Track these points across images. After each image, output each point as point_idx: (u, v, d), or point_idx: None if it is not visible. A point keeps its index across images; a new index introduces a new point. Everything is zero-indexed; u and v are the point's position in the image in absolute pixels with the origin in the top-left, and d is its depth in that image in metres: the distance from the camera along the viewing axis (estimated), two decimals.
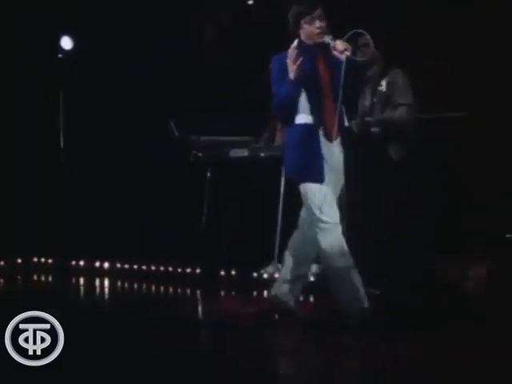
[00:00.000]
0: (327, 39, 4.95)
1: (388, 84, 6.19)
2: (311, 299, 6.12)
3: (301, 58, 4.91)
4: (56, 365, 4.00)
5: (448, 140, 6.46)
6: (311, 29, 5.00)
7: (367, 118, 6.29)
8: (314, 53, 5.04)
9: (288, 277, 5.38)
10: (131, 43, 7.87)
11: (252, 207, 7.12)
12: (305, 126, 5.07)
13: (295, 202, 6.56)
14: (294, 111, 5.06)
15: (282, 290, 5.39)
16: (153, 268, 7.48)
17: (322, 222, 5.05)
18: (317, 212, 5.06)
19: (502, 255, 6.08)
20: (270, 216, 6.74)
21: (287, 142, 5.21)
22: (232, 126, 7.14)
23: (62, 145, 8.11)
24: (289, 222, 6.62)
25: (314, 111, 5.03)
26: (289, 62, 4.94)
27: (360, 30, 4.88)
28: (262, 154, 6.80)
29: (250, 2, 7.96)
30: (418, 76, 6.59)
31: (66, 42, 7.95)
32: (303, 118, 5.07)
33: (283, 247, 6.59)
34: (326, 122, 5.05)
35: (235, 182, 7.08)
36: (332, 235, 5.04)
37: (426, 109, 6.46)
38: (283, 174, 6.70)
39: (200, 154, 7.03)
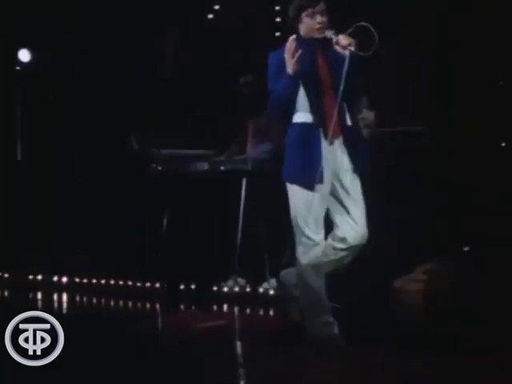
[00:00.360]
0: (329, 34, 4.74)
1: None
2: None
3: (300, 51, 4.65)
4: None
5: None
6: (312, 23, 4.77)
7: None
8: (313, 48, 4.81)
9: None
10: (89, 56, 7.87)
11: (212, 221, 7.13)
12: (303, 124, 4.81)
13: (255, 215, 6.66)
14: (291, 108, 4.82)
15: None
16: (112, 282, 7.45)
17: (304, 236, 4.81)
18: (302, 224, 4.80)
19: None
20: (231, 230, 6.76)
21: (287, 143, 4.90)
22: (194, 139, 7.16)
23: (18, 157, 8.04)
24: (249, 236, 6.70)
25: (313, 109, 4.78)
26: (286, 55, 4.70)
27: (364, 23, 4.60)
28: (223, 168, 6.79)
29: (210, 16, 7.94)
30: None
31: (24, 55, 7.91)
32: (302, 116, 4.82)
33: (243, 261, 6.67)
34: (325, 121, 4.76)
35: (195, 195, 7.08)
36: (311, 254, 4.80)
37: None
38: (243, 187, 6.76)
39: (159, 168, 7.00)
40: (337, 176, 4.82)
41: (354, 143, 4.86)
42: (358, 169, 4.83)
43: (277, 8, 7.50)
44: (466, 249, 6.47)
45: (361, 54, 4.65)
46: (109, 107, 7.81)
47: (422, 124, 6.58)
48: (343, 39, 4.67)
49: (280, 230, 5.99)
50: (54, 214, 7.99)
